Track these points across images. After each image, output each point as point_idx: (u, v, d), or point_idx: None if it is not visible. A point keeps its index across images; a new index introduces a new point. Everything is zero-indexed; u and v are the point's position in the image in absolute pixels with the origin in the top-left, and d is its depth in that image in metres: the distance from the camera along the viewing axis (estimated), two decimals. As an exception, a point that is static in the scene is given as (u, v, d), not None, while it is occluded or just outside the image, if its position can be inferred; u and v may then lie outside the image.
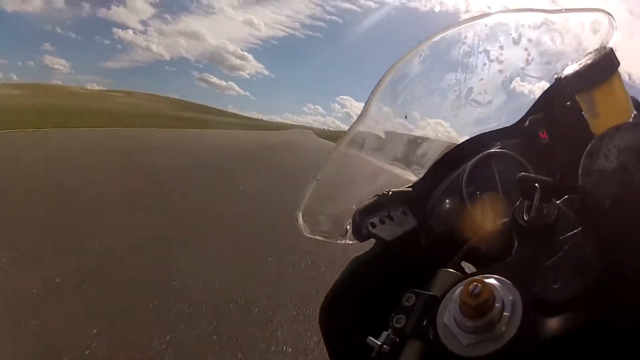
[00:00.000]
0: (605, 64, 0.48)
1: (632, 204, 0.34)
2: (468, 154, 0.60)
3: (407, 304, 0.40)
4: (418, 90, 0.59)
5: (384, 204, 0.56)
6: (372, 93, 0.52)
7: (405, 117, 0.62)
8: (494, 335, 0.33)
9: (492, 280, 0.36)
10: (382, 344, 0.39)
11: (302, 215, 0.53)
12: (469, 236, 0.51)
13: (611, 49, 0.49)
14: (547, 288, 0.35)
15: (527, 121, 0.59)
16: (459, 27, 0.55)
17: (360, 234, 0.54)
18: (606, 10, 0.62)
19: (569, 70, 0.49)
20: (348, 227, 0.55)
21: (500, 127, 0.62)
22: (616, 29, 0.62)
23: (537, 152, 0.58)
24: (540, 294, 0.35)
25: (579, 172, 0.37)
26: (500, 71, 0.59)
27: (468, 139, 0.63)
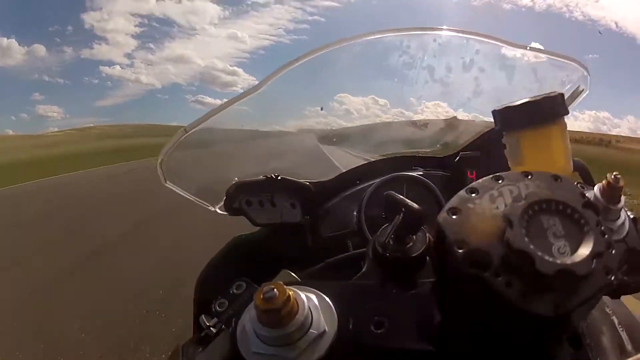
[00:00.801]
0: (543, 107, 0.41)
1: (498, 266, 0.25)
2: (385, 170, 0.56)
3: (235, 291, 0.39)
4: (337, 83, 0.55)
5: (268, 187, 0.52)
6: (278, 70, 0.48)
7: (322, 109, 0.59)
8: (287, 353, 0.28)
9: (307, 295, 0.30)
10: (210, 325, 0.38)
11: (164, 164, 0.49)
12: (353, 248, 0.49)
13: (561, 95, 0.43)
14: (368, 328, 0.30)
15: (459, 156, 0.53)
16: (402, 34, 0.50)
17: (230, 207, 0.50)
18: (583, 64, 0.55)
19: (502, 105, 0.43)
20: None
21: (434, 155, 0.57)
22: (589, 87, 0.55)
23: None
24: (358, 330, 0.29)
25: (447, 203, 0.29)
26: (443, 94, 0.54)
27: (394, 156, 0.60)
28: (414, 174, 0.55)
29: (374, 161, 0.62)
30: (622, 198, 0.37)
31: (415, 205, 0.35)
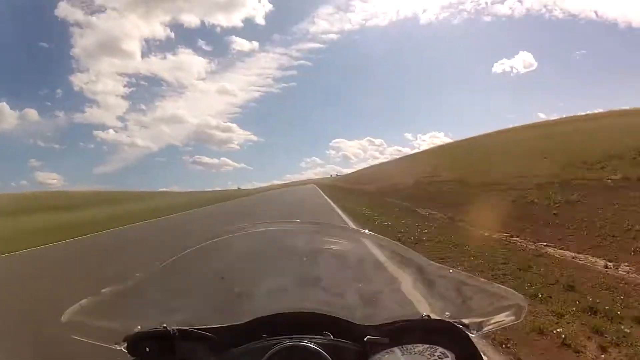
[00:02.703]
0: None
1: None
2: (295, 325, 0.59)
3: None
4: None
5: (167, 336, 0.56)
6: None
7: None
8: None
9: None
10: None
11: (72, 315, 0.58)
12: None
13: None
14: None
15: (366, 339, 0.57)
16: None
17: (133, 353, 0.56)
18: (520, 295, 0.59)
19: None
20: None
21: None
22: (522, 317, 0.58)
23: None
24: None
25: None
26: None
27: (307, 312, 0.63)
28: (318, 347, 0.54)
29: (286, 313, 0.63)
30: None
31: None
